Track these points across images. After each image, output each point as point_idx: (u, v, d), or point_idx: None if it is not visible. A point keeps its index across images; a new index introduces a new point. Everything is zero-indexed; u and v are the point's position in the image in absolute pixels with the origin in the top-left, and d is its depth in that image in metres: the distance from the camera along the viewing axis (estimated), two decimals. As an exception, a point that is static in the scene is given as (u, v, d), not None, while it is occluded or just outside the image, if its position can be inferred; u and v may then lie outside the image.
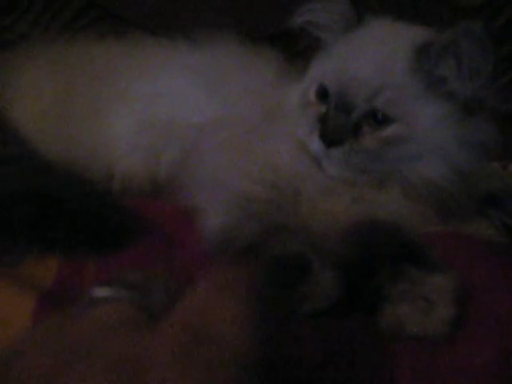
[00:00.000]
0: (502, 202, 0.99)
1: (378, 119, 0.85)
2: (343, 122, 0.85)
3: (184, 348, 0.43)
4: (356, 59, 0.86)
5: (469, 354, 0.69)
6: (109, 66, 1.08)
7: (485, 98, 0.86)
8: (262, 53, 1.10)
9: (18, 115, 1.04)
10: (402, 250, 0.77)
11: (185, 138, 1.00)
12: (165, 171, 1.02)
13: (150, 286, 0.53)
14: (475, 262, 0.83)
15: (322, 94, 0.89)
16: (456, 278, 0.74)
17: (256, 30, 1.31)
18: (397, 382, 0.68)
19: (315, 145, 0.86)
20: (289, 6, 1.28)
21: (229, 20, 1.31)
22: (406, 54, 0.85)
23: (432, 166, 0.86)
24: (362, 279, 0.77)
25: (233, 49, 1.09)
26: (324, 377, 0.67)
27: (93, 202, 0.87)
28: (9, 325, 0.71)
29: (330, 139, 0.85)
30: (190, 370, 0.42)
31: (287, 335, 0.67)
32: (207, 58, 1.08)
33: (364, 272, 0.77)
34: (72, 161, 1.00)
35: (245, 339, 0.45)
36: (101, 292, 0.51)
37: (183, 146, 1.00)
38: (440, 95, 0.85)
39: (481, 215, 0.97)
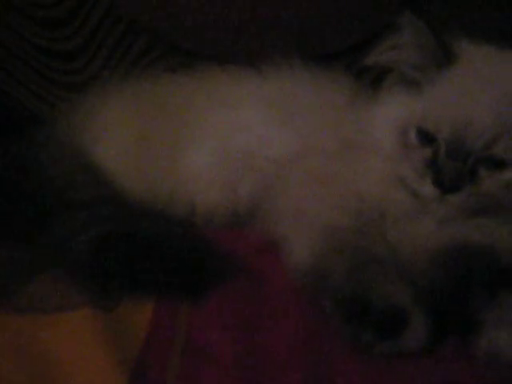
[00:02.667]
0: None
1: (495, 163, 0.84)
2: (459, 168, 0.84)
3: None
4: (468, 103, 0.85)
5: None
6: (183, 101, 1.11)
7: None
8: (331, 76, 1.10)
9: (101, 156, 1.07)
10: (498, 275, 0.76)
11: (263, 171, 1.02)
12: (245, 203, 1.03)
13: None
14: None
15: (425, 137, 0.88)
16: None
17: (321, 48, 1.31)
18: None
19: (427, 190, 0.86)
20: (354, 22, 1.30)
21: (293, 40, 1.31)
22: None
23: None
24: (454, 304, 0.76)
25: (302, 75, 1.10)
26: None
27: (183, 242, 0.88)
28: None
29: (448, 187, 0.84)
30: None
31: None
32: (278, 87, 1.09)
33: (457, 296, 0.77)
34: (155, 198, 1.03)
35: None
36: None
37: (262, 180, 1.01)
38: None
39: None
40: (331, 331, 0.77)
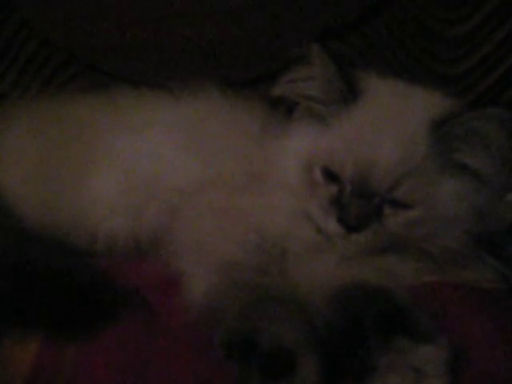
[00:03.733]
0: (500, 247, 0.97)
1: (400, 203, 0.85)
2: (363, 207, 0.84)
3: None
4: (371, 143, 0.85)
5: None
6: (90, 123, 1.06)
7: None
8: (245, 103, 1.08)
9: (1, 180, 1.01)
10: (392, 318, 0.75)
11: (167, 200, 0.98)
12: (147, 232, 1.00)
13: None
14: (469, 314, 0.83)
15: (329, 174, 0.88)
16: (447, 347, 0.72)
17: (238, 75, 1.29)
18: None
19: (332, 228, 0.86)
20: (271, 51, 1.30)
21: (211, 65, 1.29)
22: (425, 135, 0.85)
23: (449, 236, 0.87)
24: (348, 346, 0.74)
25: (215, 101, 1.08)
26: None
27: (78, 275, 0.84)
28: None
29: (352, 225, 0.84)
30: None
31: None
32: (190, 112, 1.06)
33: (351, 339, 0.75)
34: (55, 224, 0.99)
35: None
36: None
37: (166, 208, 0.98)
38: (456, 171, 0.85)
39: (480, 260, 0.95)
40: (224, 374, 0.74)
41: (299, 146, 0.92)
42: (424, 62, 1.32)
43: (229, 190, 0.94)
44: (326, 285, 0.82)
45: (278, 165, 0.93)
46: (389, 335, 0.73)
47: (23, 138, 1.07)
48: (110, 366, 0.75)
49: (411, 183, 0.84)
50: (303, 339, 0.72)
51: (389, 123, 0.86)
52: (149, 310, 0.85)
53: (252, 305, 0.76)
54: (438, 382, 0.70)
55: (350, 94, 0.89)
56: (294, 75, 0.92)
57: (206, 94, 1.09)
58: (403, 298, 0.79)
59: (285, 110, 1.12)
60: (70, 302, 0.81)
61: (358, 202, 0.84)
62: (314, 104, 0.92)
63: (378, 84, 0.92)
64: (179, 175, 1.00)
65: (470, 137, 0.83)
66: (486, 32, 1.31)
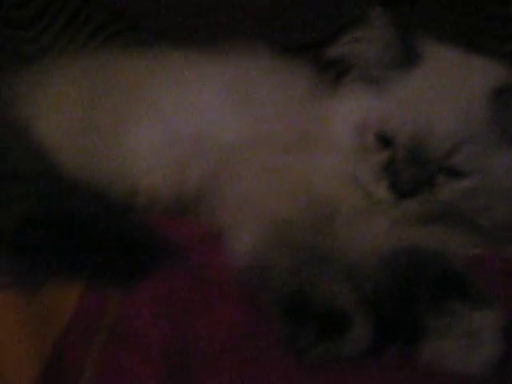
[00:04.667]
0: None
1: (454, 172, 0.82)
2: (416, 174, 0.82)
3: None
4: (429, 109, 0.82)
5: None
6: (135, 78, 1.04)
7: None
8: (294, 66, 1.07)
9: (42, 129, 1.00)
10: (447, 282, 0.74)
11: (213, 156, 0.97)
12: (191, 188, 0.98)
13: None
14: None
15: (383, 139, 0.85)
16: (502, 316, 0.70)
17: (287, 40, 1.27)
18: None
19: (382, 193, 0.84)
20: (321, 17, 1.27)
21: (259, 29, 1.27)
22: (484, 103, 0.82)
23: (500, 209, 0.85)
24: (400, 309, 0.73)
25: (263, 62, 1.06)
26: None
27: (118, 225, 0.82)
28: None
29: (404, 191, 0.82)
30: None
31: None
32: (237, 72, 1.04)
33: (403, 302, 0.73)
34: (96, 175, 0.97)
35: None
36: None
37: (212, 164, 0.96)
38: None
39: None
40: (269, 328, 0.72)
41: (352, 110, 0.90)
42: (475, 38, 1.29)
43: (278, 149, 0.92)
44: (377, 248, 0.80)
45: (329, 128, 0.91)
46: (443, 299, 0.71)
47: (67, 89, 1.05)
48: (155, 314, 0.74)
49: (467, 152, 0.81)
50: (356, 300, 0.71)
51: (447, 89, 0.84)
52: (192, 264, 0.83)
53: (304, 263, 0.74)
54: (493, 349, 0.68)
55: (408, 58, 0.86)
56: (353, 37, 0.90)
57: (255, 55, 1.07)
58: (459, 264, 0.77)
59: (335, 74, 1.11)
60: (111, 251, 0.79)
61: (411, 169, 0.82)
62: (370, 67, 0.89)
63: (438, 50, 0.89)
64: (227, 132, 0.98)
65: None
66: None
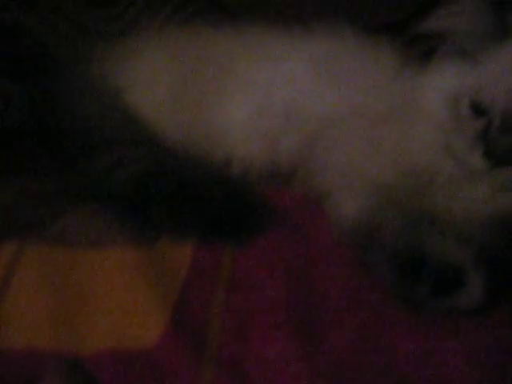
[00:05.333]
0: None
1: None
2: (510, 143, 0.83)
3: None
4: None
5: None
6: (227, 52, 1.08)
7: None
8: (380, 43, 1.08)
9: (137, 101, 1.04)
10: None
11: (307, 128, 0.99)
12: (285, 158, 1.01)
13: None
14: None
15: (478, 109, 0.87)
16: None
17: (367, 20, 1.28)
18: None
19: (477, 162, 0.85)
20: None
21: (340, 8, 1.28)
22: None
23: None
24: (509, 270, 0.75)
25: (350, 38, 1.07)
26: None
27: (227, 188, 0.86)
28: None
29: (499, 159, 0.84)
30: None
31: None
32: (326, 47, 1.06)
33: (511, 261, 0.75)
34: (191, 146, 1.00)
35: None
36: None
37: (305, 135, 0.99)
38: None
39: None
40: (380, 286, 0.75)
41: (446, 81, 0.91)
42: None
43: (370, 120, 0.94)
44: (479, 210, 0.82)
45: (422, 99, 0.93)
46: None
47: (161, 62, 1.09)
48: (270, 267, 0.78)
49: None
50: (470, 257, 0.73)
51: None
52: (298, 227, 0.86)
53: (413, 223, 0.77)
54: None
55: (502, 31, 0.88)
56: (444, 11, 0.91)
57: (341, 31, 1.09)
58: None
59: (424, 49, 1.13)
60: (220, 209, 0.83)
61: (506, 137, 0.84)
62: (463, 40, 0.91)
63: None
64: (319, 104, 1.00)
65: None
66: None
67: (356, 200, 0.84)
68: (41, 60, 1.34)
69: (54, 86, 1.09)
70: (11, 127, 0.98)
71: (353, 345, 0.68)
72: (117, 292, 0.74)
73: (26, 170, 0.95)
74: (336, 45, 1.07)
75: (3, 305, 0.73)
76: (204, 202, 0.83)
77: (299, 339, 0.68)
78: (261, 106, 1.03)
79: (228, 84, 1.05)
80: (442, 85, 0.92)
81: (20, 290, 0.75)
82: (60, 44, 1.36)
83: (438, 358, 0.67)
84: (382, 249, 0.76)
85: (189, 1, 1.34)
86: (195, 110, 1.04)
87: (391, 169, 0.87)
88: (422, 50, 1.04)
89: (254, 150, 1.02)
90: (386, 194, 0.83)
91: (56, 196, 0.91)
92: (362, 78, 1.02)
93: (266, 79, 1.04)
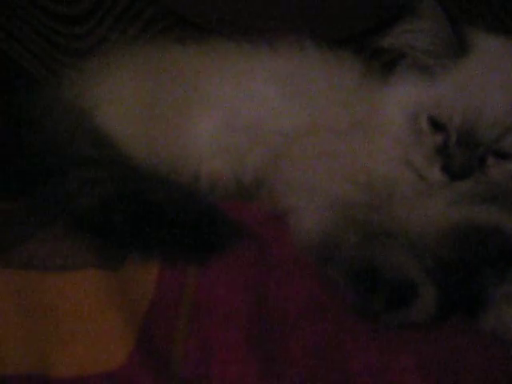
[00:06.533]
0: None
1: (504, 154, 0.87)
2: (468, 156, 0.86)
3: None
4: (481, 94, 0.86)
5: None
6: (192, 69, 1.10)
7: None
8: (342, 57, 1.11)
9: (104, 119, 1.06)
10: (504, 254, 0.78)
11: (272, 144, 1.02)
12: (250, 174, 1.03)
13: None
14: None
15: (436, 123, 0.90)
16: None
17: (329, 33, 1.31)
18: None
19: (436, 176, 0.88)
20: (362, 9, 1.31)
21: (303, 23, 1.31)
22: None
23: None
24: (462, 280, 0.77)
25: (313, 53, 1.10)
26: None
27: (191, 205, 0.88)
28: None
29: (456, 174, 0.87)
30: None
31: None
32: (288, 63, 1.09)
33: (465, 274, 0.78)
34: (158, 163, 1.03)
35: None
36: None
37: (270, 151, 1.01)
38: None
39: None
40: (338, 300, 0.77)
41: (405, 96, 0.94)
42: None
43: (333, 135, 0.97)
44: (435, 224, 0.85)
45: (382, 113, 0.96)
46: (504, 269, 0.76)
47: (128, 78, 1.11)
48: (231, 286, 0.79)
49: None
50: (423, 270, 0.75)
51: (497, 77, 0.88)
52: (260, 242, 0.88)
53: (370, 238, 0.79)
54: None
55: (459, 47, 0.90)
56: (404, 27, 0.94)
57: (303, 47, 1.11)
58: None
59: (380, 64, 1.15)
60: (184, 228, 0.84)
61: (463, 152, 0.87)
62: (422, 56, 0.93)
63: (487, 39, 0.93)
64: (284, 120, 1.03)
65: None
66: None
67: (317, 215, 0.86)
68: (12, 77, 1.36)
69: (24, 104, 1.10)
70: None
71: (310, 361, 0.70)
72: (84, 316, 0.75)
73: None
74: (299, 60, 1.10)
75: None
76: (168, 222, 0.84)
77: (259, 358, 0.70)
78: (227, 122, 1.05)
79: (195, 100, 1.07)
80: (402, 100, 0.94)
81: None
82: (32, 61, 1.38)
83: (393, 375, 0.68)
84: (340, 263, 0.78)
85: (158, 18, 1.36)
86: (163, 127, 1.06)
87: (351, 183, 0.89)
88: (383, 63, 1.07)
89: (221, 165, 1.04)
90: (346, 208, 0.85)
91: (24, 219, 0.92)
92: (324, 94, 1.04)
93: (231, 96, 1.07)
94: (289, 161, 0.97)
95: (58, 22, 1.36)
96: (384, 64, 1.12)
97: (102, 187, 0.89)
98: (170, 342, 0.72)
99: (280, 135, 1.01)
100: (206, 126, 1.05)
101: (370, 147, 0.94)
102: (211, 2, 1.33)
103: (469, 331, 0.74)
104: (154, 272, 0.82)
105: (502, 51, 0.92)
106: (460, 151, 0.87)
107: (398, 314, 0.73)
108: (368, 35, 1.29)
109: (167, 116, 1.06)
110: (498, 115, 0.85)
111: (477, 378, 0.68)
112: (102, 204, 0.86)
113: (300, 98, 1.04)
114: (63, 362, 0.71)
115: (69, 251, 0.85)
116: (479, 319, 0.75)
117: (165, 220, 0.84)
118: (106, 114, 1.07)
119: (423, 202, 0.89)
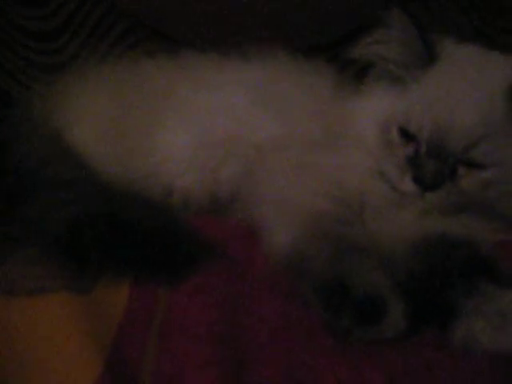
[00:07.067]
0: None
1: (474, 164, 0.86)
2: (439, 167, 0.86)
3: None
4: (450, 105, 0.86)
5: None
6: (163, 83, 1.09)
7: None
8: (314, 67, 1.11)
9: (77, 138, 1.05)
10: (475, 265, 0.78)
11: (245, 157, 1.01)
12: (224, 188, 1.03)
13: None
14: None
15: (406, 134, 0.89)
16: None
17: (300, 42, 1.31)
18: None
19: (407, 187, 0.88)
20: (333, 18, 1.31)
21: (273, 32, 1.31)
22: (501, 99, 0.86)
23: None
24: (432, 293, 0.77)
25: (285, 64, 1.10)
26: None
27: (163, 224, 0.87)
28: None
29: (427, 184, 0.86)
30: None
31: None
32: (261, 74, 1.08)
33: (435, 286, 0.78)
34: (131, 179, 1.02)
35: None
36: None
37: (243, 165, 1.01)
38: None
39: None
40: (310, 317, 0.77)
41: (376, 107, 0.94)
42: (486, 32, 1.33)
43: (306, 147, 0.97)
44: (406, 236, 0.85)
45: (354, 125, 0.95)
46: (474, 281, 0.76)
47: (99, 98, 1.10)
48: (202, 307, 0.78)
49: (486, 145, 0.85)
50: (391, 286, 0.75)
51: (466, 86, 0.87)
52: (231, 260, 0.88)
53: (340, 253, 0.79)
54: None
55: (428, 57, 0.90)
56: (373, 38, 0.93)
57: (276, 57, 1.11)
58: (484, 249, 0.82)
59: (353, 73, 1.16)
60: (155, 248, 0.84)
61: (433, 162, 0.86)
62: (391, 66, 0.93)
63: (456, 48, 0.93)
64: (257, 133, 1.02)
65: None
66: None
67: (290, 229, 0.85)
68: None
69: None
70: None
71: (282, 381, 0.70)
72: (54, 340, 0.74)
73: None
74: (272, 71, 1.09)
75: None
76: (139, 243, 0.84)
77: (231, 379, 0.69)
78: (199, 136, 1.04)
79: (167, 114, 1.07)
80: (374, 111, 0.94)
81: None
82: (5, 78, 1.37)
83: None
84: (310, 278, 0.78)
85: (130, 31, 1.36)
86: (135, 142, 1.06)
87: (324, 197, 0.89)
88: (355, 72, 1.07)
89: (194, 181, 1.03)
90: (318, 222, 0.85)
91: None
92: (298, 104, 1.04)
93: (204, 109, 1.06)
94: (262, 174, 0.96)
95: (31, 37, 1.35)
96: (356, 73, 1.13)
97: (72, 206, 0.88)
98: (139, 364, 0.72)
99: (254, 148, 1.01)
100: (178, 141, 1.04)
101: (343, 159, 0.94)
102: (182, 13, 1.32)
103: (439, 345, 0.74)
104: (124, 292, 0.81)
105: (470, 60, 0.91)
106: (430, 162, 0.86)
107: (367, 331, 0.73)
108: (338, 45, 1.29)
109: (138, 132, 1.06)
110: (466, 125, 0.85)
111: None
112: (72, 223, 0.85)
113: (272, 110, 1.04)
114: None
115: (42, 274, 0.83)
116: (450, 331, 0.74)
117: (135, 240, 0.84)
118: (76, 132, 1.06)
119: (395, 214, 0.88)
